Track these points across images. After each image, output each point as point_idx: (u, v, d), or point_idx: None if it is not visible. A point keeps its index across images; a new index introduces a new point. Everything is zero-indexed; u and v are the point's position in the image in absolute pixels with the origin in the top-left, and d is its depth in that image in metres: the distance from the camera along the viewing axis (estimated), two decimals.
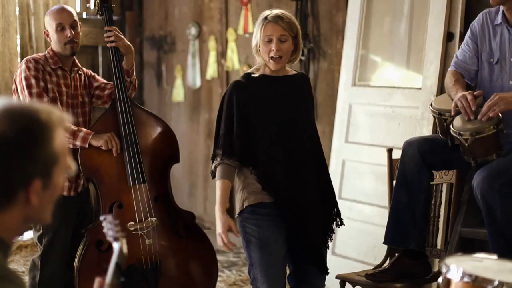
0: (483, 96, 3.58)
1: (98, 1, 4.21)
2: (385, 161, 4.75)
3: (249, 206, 3.38)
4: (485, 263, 2.57)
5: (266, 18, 3.36)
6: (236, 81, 3.45)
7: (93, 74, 4.24)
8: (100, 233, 3.90)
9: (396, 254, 3.90)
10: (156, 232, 4.00)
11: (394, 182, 4.17)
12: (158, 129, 4.17)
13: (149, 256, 3.95)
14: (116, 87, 4.04)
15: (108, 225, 2.15)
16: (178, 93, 6.75)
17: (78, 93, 4.07)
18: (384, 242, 3.87)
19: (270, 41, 3.33)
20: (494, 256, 2.63)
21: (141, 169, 3.99)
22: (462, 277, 2.41)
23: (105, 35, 4.13)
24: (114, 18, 4.32)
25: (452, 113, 3.53)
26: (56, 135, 1.70)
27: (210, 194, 6.59)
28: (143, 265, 3.94)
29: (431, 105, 3.75)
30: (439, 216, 4.04)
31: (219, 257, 5.12)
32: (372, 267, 4.31)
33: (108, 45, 4.11)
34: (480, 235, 3.92)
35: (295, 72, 3.57)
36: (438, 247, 4.12)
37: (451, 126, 3.53)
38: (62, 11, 4.01)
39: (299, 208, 3.41)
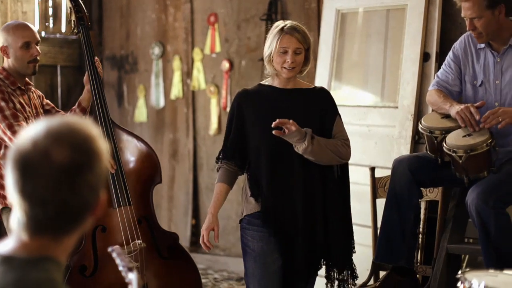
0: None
1: (74, 19, 4.11)
2: (361, 179, 4.80)
3: (247, 216, 3.45)
4: (501, 278, 2.62)
5: (282, 29, 3.38)
6: (243, 89, 3.55)
7: (41, 94, 4.10)
8: (84, 257, 3.82)
9: (385, 272, 3.93)
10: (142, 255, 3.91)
11: (376, 200, 4.23)
12: (140, 150, 4.09)
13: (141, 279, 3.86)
14: (97, 108, 3.96)
15: (118, 256, 2.07)
16: (141, 113, 6.67)
17: (38, 112, 3.96)
18: (375, 259, 3.90)
19: (285, 52, 3.36)
20: (509, 271, 2.69)
21: (126, 190, 3.91)
22: None
23: (96, 62, 4.04)
24: (73, 37, 4.17)
25: (462, 125, 3.58)
26: (101, 140, 1.66)
27: (175, 215, 6.52)
28: None
29: (420, 122, 3.80)
30: (424, 233, 4.09)
31: None
32: (352, 286, 4.33)
33: (99, 69, 4.03)
34: (466, 251, 3.98)
35: (311, 85, 3.58)
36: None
37: (444, 144, 3.58)
38: (28, 28, 3.89)
39: (286, 222, 3.40)
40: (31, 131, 1.61)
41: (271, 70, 3.44)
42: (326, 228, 3.45)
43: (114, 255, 2.03)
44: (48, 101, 4.11)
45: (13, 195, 1.60)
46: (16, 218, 1.61)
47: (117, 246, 2.09)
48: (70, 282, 3.75)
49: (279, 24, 3.43)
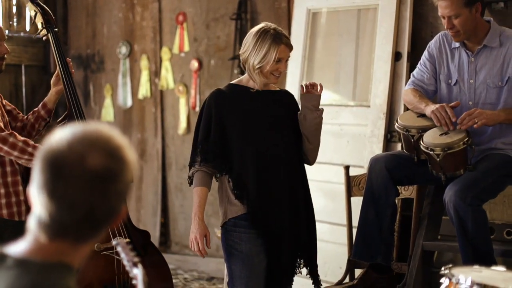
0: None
1: (41, 22, 4.04)
2: (334, 178, 4.84)
3: (232, 219, 3.41)
4: (486, 273, 2.66)
5: (278, 38, 3.35)
6: (217, 89, 3.49)
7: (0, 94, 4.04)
8: None
9: (360, 270, 3.96)
10: None
11: (351, 198, 4.26)
12: None
13: (122, 275, 3.84)
14: (73, 109, 3.91)
15: (122, 250, 2.03)
16: (108, 113, 6.62)
17: (3, 112, 3.90)
18: (352, 257, 3.93)
19: (279, 61, 3.37)
20: (496, 267, 2.74)
21: None
22: (471, 286, 2.49)
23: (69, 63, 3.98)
24: (38, 36, 4.09)
25: (437, 124, 3.63)
26: (131, 150, 1.66)
27: (144, 216, 6.48)
28: (116, 285, 3.83)
29: (396, 121, 3.83)
30: (400, 231, 4.13)
31: None
32: (325, 284, 4.36)
33: (72, 71, 3.97)
34: (442, 248, 4.04)
35: (278, 88, 3.60)
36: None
37: (421, 142, 3.62)
38: None
39: (273, 222, 3.41)
40: (66, 133, 1.59)
41: (256, 76, 3.40)
42: (308, 227, 3.50)
43: (119, 248, 1.99)
44: (6, 101, 4.03)
45: (38, 195, 1.57)
46: (36, 219, 1.58)
47: (122, 239, 2.06)
48: None
49: (267, 30, 3.36)
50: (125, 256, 1.99)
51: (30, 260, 1.57)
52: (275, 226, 3.40)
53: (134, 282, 1.95)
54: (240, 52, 3.47)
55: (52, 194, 1.55)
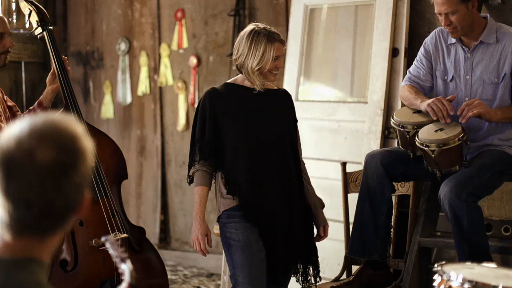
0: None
1: (36, 20, 4.04)
2: (331, 174, 4.83)
3: (225, 211, 3.43)
4: (477, 270, 2.66)
5: (271, 37, 3.38)
6: (212, 88, 3.51)
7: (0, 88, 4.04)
8: (65, 252, 3.80)
9: (357, 266, 3.96)
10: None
11: (348, 195, 4.26)
12: (107, 146, 4.08)
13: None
14: (69, 107, 3.92)
15: (111, 246, 2.03)
16: (107, 110, 6.62)
17: (5, 107, 3.89)
18: (348, 253, 3.93)
19: (276, 58, 3.41)
20: (488, 264, 2.73)
21: (105, 181, 3.88)
22: (462, 284, 2.48)
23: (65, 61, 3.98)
24: (33, 34, 4.07)
25: (434, 118, 3.62)
26: (86, 139, 1.63)
27: (144, 212, 6.49)
28: (115, 280, 3.84)
29: (392, 117, 3.83)
30: (396, 227, 4.12)
31: None
32: (323, 280, 4.36)
33: (68, 68, 3.97)
34: (438, 244, 4.03)
35: (276, 87, 3.62)
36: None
37: (416, 138, 3.61)
38: (1, 19, 3.82)
39: (265, 217, 3.42)
40: (15, 129, 1.56)
41: (255, 77, 3.42)
42: (304, 224, 3.51)
43: (107, 244, 1.99)
44: (7, 97, 4.04)
45: None
46: None
47: (111, 235, 2.06)
48: (53, 278, 3.72)
49: (258, 31, 3.39)
50: (113, 252, 2.00)
51: None
52: (267, 221, 3.41)
53: (122, 278, 1.95)
54: (234, 58, 3.47)
55: (7, 194, 1.54)
